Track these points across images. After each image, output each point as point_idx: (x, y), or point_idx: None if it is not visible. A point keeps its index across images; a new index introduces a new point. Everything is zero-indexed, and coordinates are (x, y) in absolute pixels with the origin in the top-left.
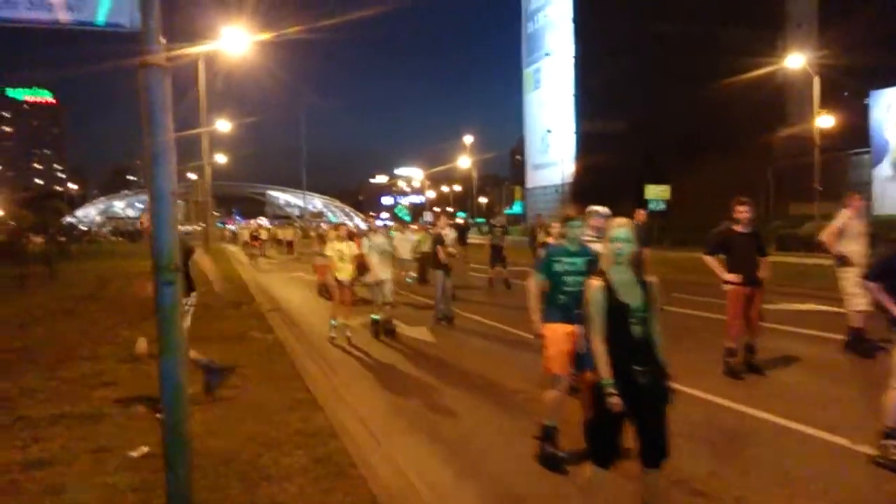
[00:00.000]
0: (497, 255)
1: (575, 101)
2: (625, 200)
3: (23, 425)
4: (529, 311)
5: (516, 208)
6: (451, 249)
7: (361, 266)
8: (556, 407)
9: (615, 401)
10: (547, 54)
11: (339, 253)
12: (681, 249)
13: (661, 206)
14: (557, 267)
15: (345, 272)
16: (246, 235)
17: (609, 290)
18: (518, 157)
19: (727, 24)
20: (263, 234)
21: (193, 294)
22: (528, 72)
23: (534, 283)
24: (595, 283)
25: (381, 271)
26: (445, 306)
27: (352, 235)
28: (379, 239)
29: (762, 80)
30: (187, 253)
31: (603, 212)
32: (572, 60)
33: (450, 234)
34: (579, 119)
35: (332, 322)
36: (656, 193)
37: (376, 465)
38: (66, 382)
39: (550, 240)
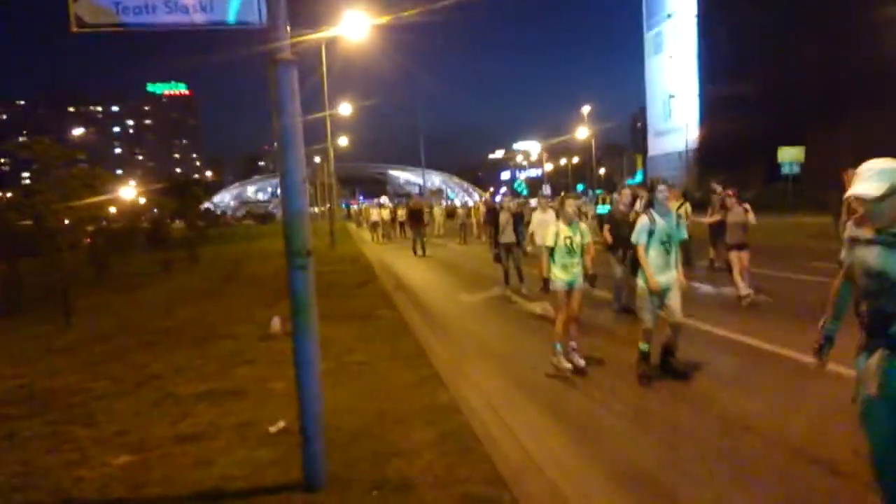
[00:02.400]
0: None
1: (698, 63)
2: (754, 165)
3: (173, 402)
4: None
5: (638, 177)
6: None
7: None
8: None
9: None
10: (668, 16)
11: (565, 237)
12: (820, 214)
13: (796, 170)
14: None
15: (571, 269)
16: (376, 215)
17: None
18: (639, 124)
19: None
20: (402, 213)
21: None
22: (648, 36)
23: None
24: None
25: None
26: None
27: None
28: (547, 215)
29: None
30: None
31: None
32: (695, 21)
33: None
34: (703, 82)
35: (557, 346)
36: (791, 156)
37: (500, 441)
38: (210, 360)
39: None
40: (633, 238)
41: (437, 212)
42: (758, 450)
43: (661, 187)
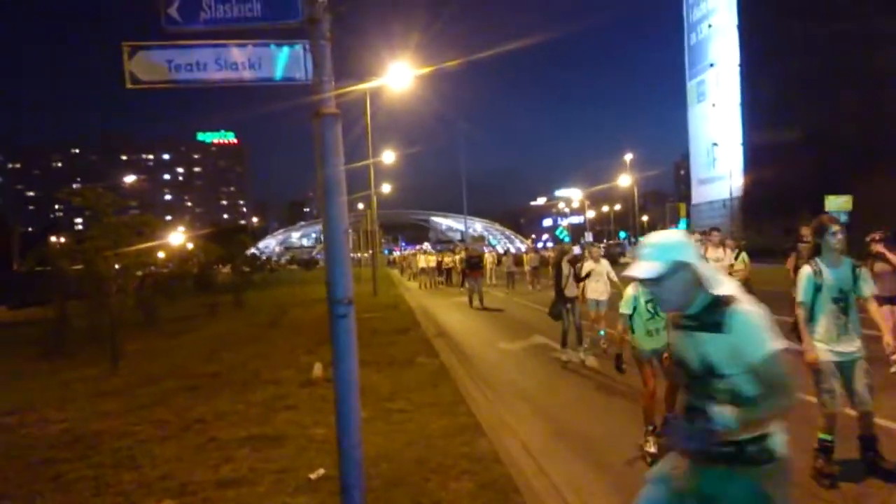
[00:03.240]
0: None
1: (742, 111)
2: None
3: (215, 446)
4: None
5: (681, 226)
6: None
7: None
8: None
9: None
10: (711, 65)
11: (647, 301)
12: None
13: (844, 219)
14: None
15: (657, 335)
16: (423, 262)
17: None
18: (682, 172)
19: None
20: (449, 260)
21: None
22: (691, 85)
23: None
24: None
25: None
26: None
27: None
28: (600, 267)
29: None
30: None
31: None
32: (738, 69)
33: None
34: (747, 130)
35: (649, 428)
36: (838, 205)
37: (541, 492)
38: (253, 406)
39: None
40: (800, 297)
41: (489, 259)
42: None
43: (833, 228)
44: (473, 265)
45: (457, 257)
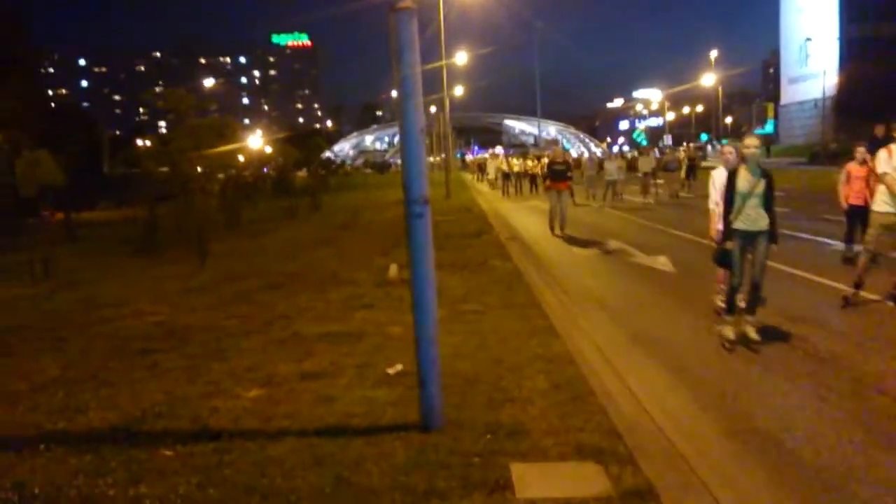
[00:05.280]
0: None
1: (839, 2)
2: None
3: (297, 340)
4: None
5: (768, 128)
6: None
7: None
8: None
9: None
10: None
11: None
12: None
13: None
14: None
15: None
16: (492, 168)
17: None
18: (771, 69)
19: None
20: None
21: None
22: None
23: None
24: None
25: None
26: None
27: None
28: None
29: None
30: None
31: None
32: None
33: None
34: (845, 23)
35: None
36: None
37: (613, 392)
38: (332, 303)
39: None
40: None
41: (587, 164)
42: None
43: None
44: (557, 174)
45: (530, 162)
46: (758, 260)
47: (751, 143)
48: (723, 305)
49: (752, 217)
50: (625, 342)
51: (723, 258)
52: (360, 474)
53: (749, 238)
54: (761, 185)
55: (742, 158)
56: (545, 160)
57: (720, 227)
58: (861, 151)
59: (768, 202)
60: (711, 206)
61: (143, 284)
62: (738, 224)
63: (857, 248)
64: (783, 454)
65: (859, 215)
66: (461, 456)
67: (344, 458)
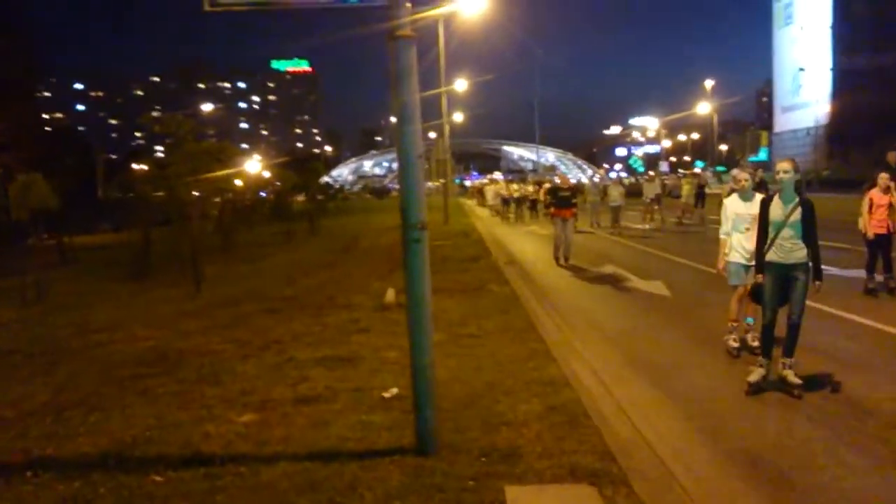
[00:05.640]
0: None
1: (832, 34)
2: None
3: (292, 365)
4: None
5: (762, 155)
6: None
7: None
8: None
9: None
10: None
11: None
12: None
13: None
14: None
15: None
16: (491, 193)
17: None
18: (765, 98)
19: None
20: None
21: None
22: (778, 5)
23: None
24: None
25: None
26: None
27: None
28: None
29: None
30: None
31: None
32: None
33: None
34: (837, 54)
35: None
36: None
37: (608, 415)
38: (328, 328)
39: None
40: None
41: (591, 190)
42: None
43: None
44: (562, 201)
45: (531, 188)
46: (795, 297)
47: (783, 167)
48: (735, 345)
49: (787, 248)
50: (620, 365)
51: (757, 293)
52: (354, 499)
53: (783, 271)
54: (797, 214)
55: (758, 184)
56: (546, 185)
57: (730, 258)
58: (885, 178)
59: (807, 233)
60: (722, 235)
61: (137, 308)
62: (771, 256)
63: (879, 277)
64: (777, 476)
65: (882, 244)
66: (456, 479)
67: (338, 483)
